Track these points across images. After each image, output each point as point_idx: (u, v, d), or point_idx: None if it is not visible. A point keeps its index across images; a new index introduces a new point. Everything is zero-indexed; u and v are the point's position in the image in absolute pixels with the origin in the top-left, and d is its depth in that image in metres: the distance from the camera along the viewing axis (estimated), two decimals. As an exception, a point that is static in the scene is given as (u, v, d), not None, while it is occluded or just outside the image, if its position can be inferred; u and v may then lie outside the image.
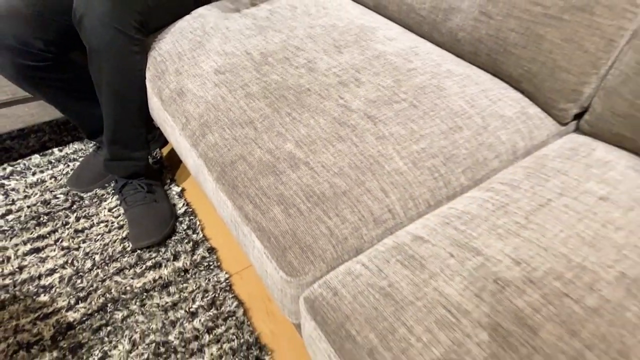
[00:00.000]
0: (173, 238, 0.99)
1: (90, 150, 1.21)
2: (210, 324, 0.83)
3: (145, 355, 0.79)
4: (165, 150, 1.24)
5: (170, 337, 0.81)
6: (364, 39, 0.85)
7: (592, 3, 0.61)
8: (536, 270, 0.45)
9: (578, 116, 0.72)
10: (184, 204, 1.07)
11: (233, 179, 0.61)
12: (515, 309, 0.42)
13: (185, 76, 0.79)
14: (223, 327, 0.83)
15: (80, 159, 1.19)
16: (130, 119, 0.92)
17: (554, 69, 0.67)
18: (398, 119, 0.66)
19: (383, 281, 0.47)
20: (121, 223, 1.03)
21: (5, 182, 1.13)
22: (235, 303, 0.87)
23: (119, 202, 1.07)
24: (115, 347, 0.80)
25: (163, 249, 0.97)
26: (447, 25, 0.81)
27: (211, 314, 0.85)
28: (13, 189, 1.11)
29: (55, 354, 0.79)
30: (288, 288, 0.52)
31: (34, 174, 1.16)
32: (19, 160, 1.19)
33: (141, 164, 0.99)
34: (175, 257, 0.95)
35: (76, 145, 1.25)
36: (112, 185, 1.11)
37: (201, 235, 1.00)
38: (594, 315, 0.41)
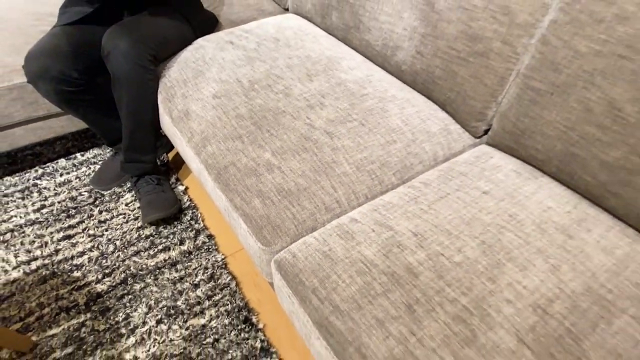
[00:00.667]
0: (179, 227, 1.22)
1: (108, 155, 1.43)
2: (209, 292, 1.06)
3: (159, 316, 1.01)
4: (171, 155, 1.46)
5: (178, 303, 1.04)
6: (330, 69, 1.08)
7: (487, 50, 0.84)
8: (426, 240, 0.68)
9: (488, 131, 0.95)
10: (187, 200, 1.30)
11: (226, 179, 0.84)
12: (407, 262, 0.65)
13: (190, 100, 1.02)
14: (219, 295, 1.05)
15: (100, 162, 1.42)
16: (143, 131, 1.15)
17: (465, 97, 0.91)
18: (349, 134, 0.89)
19: (325, 247, 0.70)
20: (136, 215, 1.25)
21: (38, 182, 1.35)
22: (230, 277, 1.09)
23: (134, 195, 1.30)
24: (135, 310, 1.03)
25: (171, 236, 1.20)
26: (394, 59, 1.04)
27: (210, 285, 1.08)
28: (45, 188, 1.33)
29: (88, 315, 1.02)
30: (264, 255, 0.75)
31: (61, 175, 1.38)
32: (48, 164, 1.42)
33: (149, 165, 1.22)
34: (181, 242, 1.18)
35: (95, 151, 1.47)
36: (129, 182, 1.34)
37: (202, 225, 1.23)
38: (457, 267, 0.64)
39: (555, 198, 0.76)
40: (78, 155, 1.46)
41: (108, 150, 1.47)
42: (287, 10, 1.46)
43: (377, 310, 0.61)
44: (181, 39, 1.18)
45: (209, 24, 1.30)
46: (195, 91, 1.04)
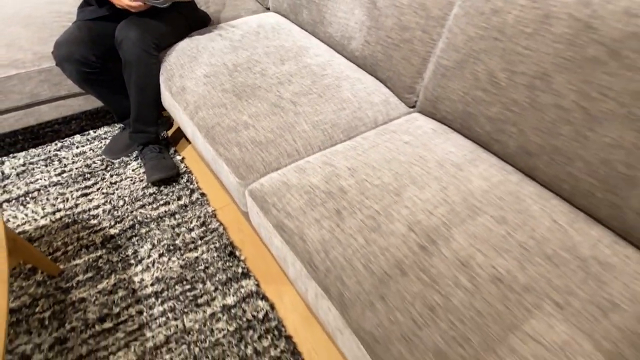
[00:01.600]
0: (177, 187, 1.48)
1: (117, 131, 1.69)
2: (201, 234, 1.32)
3: (161, 251, 1.27)
4: (170, 133, 1.72)
5: (177, 241, 1.30)
6: (300, 55, 1.34)
7: (412, 38, 1.11)
8: (356, 171, 0.94)
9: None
10: (184, 167, 1.55)
11: (213, 135, 1.10)
12: (340, 185, 0.91)
13: (186, 79, 1.28)
14: (210, 236, 1.31)
15: (109, 138, 1.67)
16: (148, 106, 1.41)
17: (399, 75, 1.17)
18: (309, 103, 1.15)
19: (284, 178, 0.96)
20: (141, 178, 1.51)
21: (58, 152, 1.61)
22: (218, 224, 1.35)
23: (139, 163, 1.55)
24: (141, 247, 1.28)
25: (171, 194, 1.45)
26: (349, 47, 1.31)
27: (202, 229, 1.33)
28: (64, 157, 1.59)
29: (104, 251, 1.27)
30: (240, 187, 1.01)
31: (77, 147, 1.64)
32: (66, 139, 1.67)
33: (153, 135, 1.48)
34: (179, 198, 1.44)
35: (105, 129, 1.73)
36: (135, 153, 1.59)
37: (196, 185, 1.48)
38: (374, 187, 0.90)
39: (457, 146, 1.02)
40: (91, 132, 1.71)
41: (117, 127, 1.73)
42: (268, 9, 1.73)
43: (315, 213, 0.86)
44: (179, 32, 1.44)
45: (202, 21, 1.56)
46: (189, 72, 1.29)
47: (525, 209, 0.86)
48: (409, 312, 0.70)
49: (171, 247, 1.28)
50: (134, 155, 1.60)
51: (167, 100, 1.33)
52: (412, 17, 1.09)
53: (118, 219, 1.37)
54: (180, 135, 1.72)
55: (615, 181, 0.80)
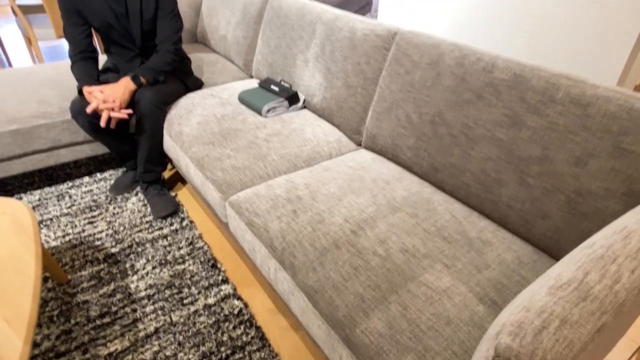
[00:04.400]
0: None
1: (120, 173, 1.99)
2: (189, 251, 1.57)
3: (154, 265, 1.51)
4: (166, 174, 2.03)
5: (168, 257, 1.54)
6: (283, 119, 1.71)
7: (356, 93, 1.48)
8: (311, 185, 1.25)
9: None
10: (177, 201, 1.84)
11: (202, 164, 1.41)
12: (297, 194, 1.21)
13: (183, 125, 1.62)
14: (196, 252, 1.56)
15: (114, 179, 1.97)
16: (157, 149, 1.73)
17: (349, 121, 1.53)
18: (279, 141, 1.49)
19: (255, 191, 1.25)
20: (141, 210, 1.78)
21: (69, 190, 1.89)
22: (204, 243, 1.61)
23: (139, 199, 1.84)
24: (137, 262, 1.52)
25: (164, 221, 1.72)
26: (312, 102, 1.68)
27: (190, 247, 1.59)
28: (74, 194, 1.87)
29: (105, 264, 1.51)
30: (221, 201, 1.30)
31: (85, 186, 1.92)
32: (76, 180, 1.97)
33: (159, 174, 1.78)
34: (171, 224, 1.71)
35: (111, 172, 2.03)
36: (139, 190, 1.88)
37: (186, 214, 1.76)
38: (323, 195, 1.20)
39: (388, 169, 1.35)
40: (98, 174, 2.01)
41: (120, 170, 2.03)
42: (252, 77, 2.14)
43: (277, 213, 1.15)
44: (180, 93, 1.82)
45: (197, 84, 1.95)
46: (186, 120, 1.64)
47: (432, 209, 1.17)
48: (339, 271, 0.97)
49: (163, 261, 1.53)
50: (134, 192, 1.88)
51: (167, 142, 1.66)
52: (355, 78, 1.48)
53: (118, 241, 1.62)
54: (173, 178, 2.03)
55: (490, 183, 1.12)
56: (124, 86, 1.55)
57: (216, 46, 2.33)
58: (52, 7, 2.71)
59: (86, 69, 1.62)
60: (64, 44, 3.94)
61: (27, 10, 3.14)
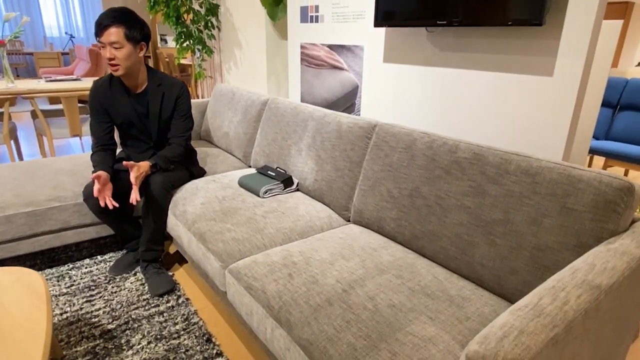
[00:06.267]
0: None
1: (120, 255, 2.08)
2: (184, 327, 1.60)
3: (149, 340, 1.53)
4: (163, 255, 2.12)
5: (163, 332, 1.57)
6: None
7: (344, 174, 1.68)
8: (305, 253, 1.37)
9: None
10: (174, 279, 1.90)
11: (204, 238, 1.54)
12: (292, 260, 1.32)
13: (187, 205, 1.78)
14: (191, 328, 1.59)
15: (114, 260, 2.05)
16: (160, 229, 1.85)
17: (338, 199, 1.71)
18: (275, 217, 1.64)
19: (253, 259, 1.37)
20: (138, 289, 1.84)
21: (69, 272, 1.95)
22: (199, 319, 1.65)
23: (139, 276, 1.90)
24: (133, 337, 1.54)
25: (160, 299, 1.77)
26: (305, 184, 1.88)
27: (185, 323, 1.62)
28: (74, 275, 1.93)
29: (101, 340, 1.52)
30: (221, 269, 1.40)
31: (86, 268, 1.99)
32: (77, 262, 2.04)
33: (159, 254, 1.88)
34: (167, 301, 1.75)
35: (111, 254, 2.12)
36: (137, 270, 1.95)
37: (182, 292, 1.81)
38: (316, 261, 1.32)
39: (374, 239, 1.49)
40: (98, 256, 2.09)
41: (120, 252, 2.12)
42: (250, 166, 2.37)
43: (274, 276, 1.25)
44: (185, 179, 2.01)
45: (201, 172, 2.16)
46: (190, 202, 1.80)
47: (416, 271, 1.28)
48: (332, 324, 1.05)
49: (158, 336, 1.55)
50: (133, 272, 1.95)
51: (171, 221, 1.79)
52: (342, 162, 1.70)
53: (115, 317, 1.65)
54: (171, 259, 2.12)
55: (464, 245, 1.26)
56: (146, 165, 1.74)
57: (218, 142, 2.61)
58: (71, 110, 3.04)
59: (104, 158, 1.82)
60: (72, 142, 4.26)
61: (47, 114, 3.50)
